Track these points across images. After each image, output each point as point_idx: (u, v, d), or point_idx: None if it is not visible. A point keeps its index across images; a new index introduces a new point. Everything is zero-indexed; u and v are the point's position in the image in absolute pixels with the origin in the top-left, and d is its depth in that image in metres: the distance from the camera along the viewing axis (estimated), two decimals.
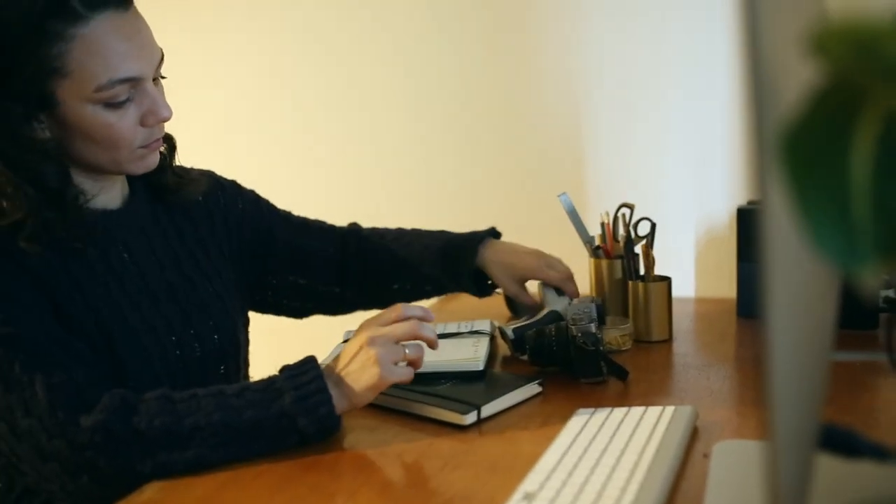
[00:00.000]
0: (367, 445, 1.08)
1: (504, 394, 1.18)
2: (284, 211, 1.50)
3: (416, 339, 1.11)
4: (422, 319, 1.12)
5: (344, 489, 0.95)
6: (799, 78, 0.39)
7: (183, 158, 1.31)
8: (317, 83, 2.08)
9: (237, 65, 2.13)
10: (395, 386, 1.17)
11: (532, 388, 1.23)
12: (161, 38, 1.14)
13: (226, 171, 1.44)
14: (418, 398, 1.17)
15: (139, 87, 1.09)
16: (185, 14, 2.12)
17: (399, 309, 1.12)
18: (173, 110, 1.13)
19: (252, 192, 1.46)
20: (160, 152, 1.21)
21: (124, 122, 1.09)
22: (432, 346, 1.12)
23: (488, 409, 1.15)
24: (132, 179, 1.25)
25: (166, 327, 1.18)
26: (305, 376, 1.05)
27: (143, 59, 1.08)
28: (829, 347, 0.61)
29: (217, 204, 1.37)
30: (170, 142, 1.27)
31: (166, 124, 1.16)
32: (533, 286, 1.55)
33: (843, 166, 0.36)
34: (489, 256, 1.49)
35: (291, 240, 1.46)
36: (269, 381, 1.06)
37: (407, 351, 1.09)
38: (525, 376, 1.25)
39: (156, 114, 1.11)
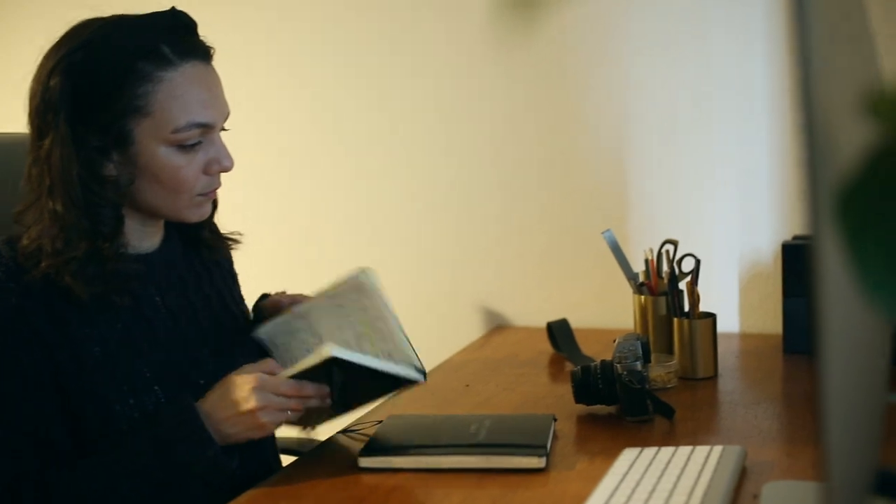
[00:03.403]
0: (413, 484, 1.09)
1: (548, 427, 1.19)
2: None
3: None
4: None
5: None
6: (855, 137, 0.40)
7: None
8: (355, 128, 2.11)
9: (272, 98, 2.17)
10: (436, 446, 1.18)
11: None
12: None
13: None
14: (474, 451, 1.15)
15: (208, 136, 1.15)
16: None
17: (302, 387, 1.13)
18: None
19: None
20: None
21: (191, 167, 1.14)
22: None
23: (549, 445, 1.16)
24: (167, 224, 1.26)
25: (196, 371, 1.20)
26: (186, 427, 1.07)
27: (217, 108, 1.15)
28: (885, 389, 0.61)
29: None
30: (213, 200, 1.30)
31: None
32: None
33: None
34: None
35: None
36: (156, 439, 1.07)
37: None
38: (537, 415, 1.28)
39: (220, 162, 1.16)
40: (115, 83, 1.08)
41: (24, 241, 1.10)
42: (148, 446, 1.06)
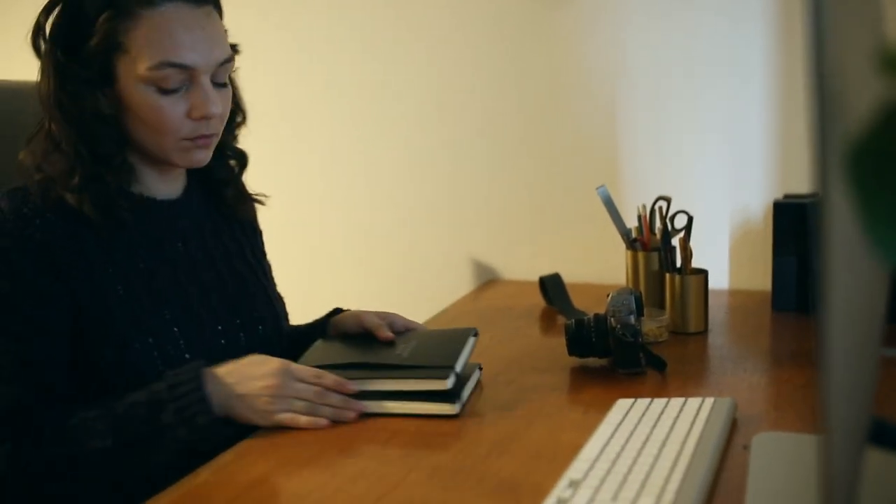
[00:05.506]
0: (411, 431, 1.11)
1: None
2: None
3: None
4: (334, 390, 1.15)
5: (393, 473, 0.98)
6: (868, 91, 0.41)
7: None
8: (348, 86, 2.10)
9: (266, 52, 2.16)
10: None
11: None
12: None
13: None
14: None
15: (194, 80, 1.14)
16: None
17: (321, 376, 1.15)
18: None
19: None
20: (230, 165, 1.31)
21: (172, 109, 1.13)
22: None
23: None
24: (190, 174, 1.29)
25: (213, 318, 1.23)
26: (185, 386, 1.07)
27: (200, 51, 1.13)
28: (880, 343, 0.63)
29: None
30: (241, 158, 1.34)
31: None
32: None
33: None
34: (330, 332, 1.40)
35: None
36: (153, 394, 1.07)
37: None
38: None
39: (200, 108, 1.14)
40: (96, 17, 1.10)
41: (27, 160, 1.14)
42: (142, 400, 1.06)
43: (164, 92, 1.12)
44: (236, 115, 1.30)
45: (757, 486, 0.88)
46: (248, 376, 1.10)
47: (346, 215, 2.16)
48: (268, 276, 1.40)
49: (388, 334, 1.30)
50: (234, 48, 1.25)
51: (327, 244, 2.19)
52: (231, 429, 1.10)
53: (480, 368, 1.30)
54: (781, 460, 0.95)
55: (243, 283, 1.30)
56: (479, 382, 1.28)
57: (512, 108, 1.97)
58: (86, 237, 1.13)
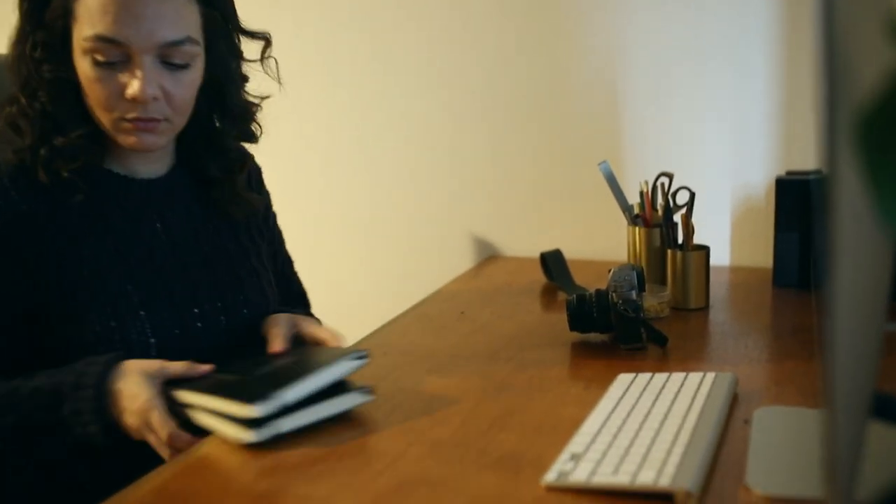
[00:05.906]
0: (412, 406, 1.11)
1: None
2: (281, 239, 1.46)
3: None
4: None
5: (393, 448, 0.98)
6: (877, 60, 0.41)
7: None
8: (348, 62, 2.09)
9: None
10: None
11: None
12: None
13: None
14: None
15: (133, 59, 1.10)
16: None
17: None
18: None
19: (269, 197, 1.44)
20: (224, 165, 1.28)
21: (107, 84, 1.11)
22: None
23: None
24: (179, 152, 1.27)
25: (190, 300, 1.19)
26: (86, 391, 1.03)
27: (136, 28, 1.08)
28: (884, 318, 0.63)
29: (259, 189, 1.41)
30: (241, 160, 1.31)
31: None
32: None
33: None
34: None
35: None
36: (58, 385, 1.04)
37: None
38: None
39: (130, 87, 1.10)
40: None
41: None
42: (46, 389, 1.04)
43: (100, 65, 1.10)
44: (231, 111, 1.26)
45: (757, 460, 0.88)
46: (125, 410, 1.04)
47: (346, 191, 2.16)
48: (262, 258, 1.34)
49: (276, 347, 1.17)
50: (259, 35, 1.27)
51: (328, 220, 2.18)
52: (121, 433, 1.05)
53: (369, 392, 1.10)
54: (782, 434, 0.95)
55: (231, 265, 1.27)
56: (361, 405, 1.10)
57: (514, 83, 1.96)
58: (51, 217, 1.12)
